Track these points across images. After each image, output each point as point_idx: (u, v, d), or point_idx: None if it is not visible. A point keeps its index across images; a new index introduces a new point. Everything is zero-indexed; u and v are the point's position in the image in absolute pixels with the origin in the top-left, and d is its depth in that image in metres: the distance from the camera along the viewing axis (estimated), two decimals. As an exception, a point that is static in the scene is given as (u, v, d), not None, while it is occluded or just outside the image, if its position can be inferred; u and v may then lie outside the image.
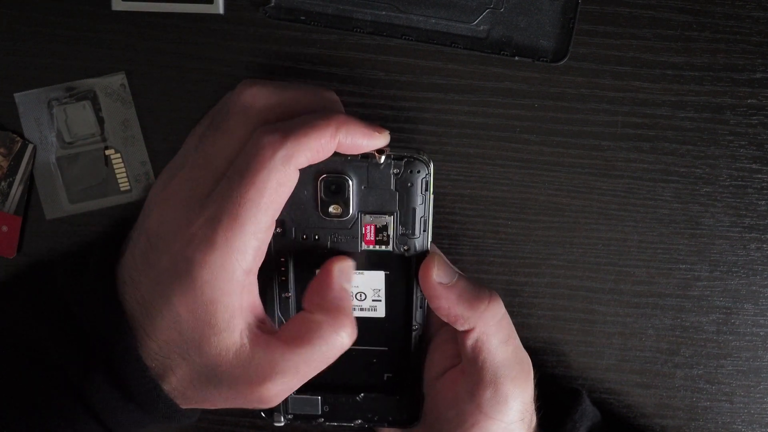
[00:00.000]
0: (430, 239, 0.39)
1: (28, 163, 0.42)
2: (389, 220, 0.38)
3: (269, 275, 0.39)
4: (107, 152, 0.43)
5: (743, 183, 0.43)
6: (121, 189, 0.43)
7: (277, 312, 0.40)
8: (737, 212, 0.43)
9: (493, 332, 0.37)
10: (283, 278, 0.39)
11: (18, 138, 0.42)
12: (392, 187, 0.37)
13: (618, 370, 0.44)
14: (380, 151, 0.36)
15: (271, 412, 0.42)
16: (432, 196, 0.38)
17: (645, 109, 0.42)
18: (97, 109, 0.42)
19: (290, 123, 0.34)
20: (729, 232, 0.43)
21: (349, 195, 0.37)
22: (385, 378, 0.41)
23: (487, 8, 0.40)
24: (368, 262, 0.39)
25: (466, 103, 0.42)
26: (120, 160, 0.43)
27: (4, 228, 0.43)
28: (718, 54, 0.42)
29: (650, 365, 0.44)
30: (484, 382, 0.37)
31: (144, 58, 0.42)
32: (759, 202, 0.43)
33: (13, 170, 0.42)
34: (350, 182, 0.37)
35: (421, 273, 0.38)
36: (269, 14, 0.40)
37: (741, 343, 0.44)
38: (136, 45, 0.42)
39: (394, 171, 0.37)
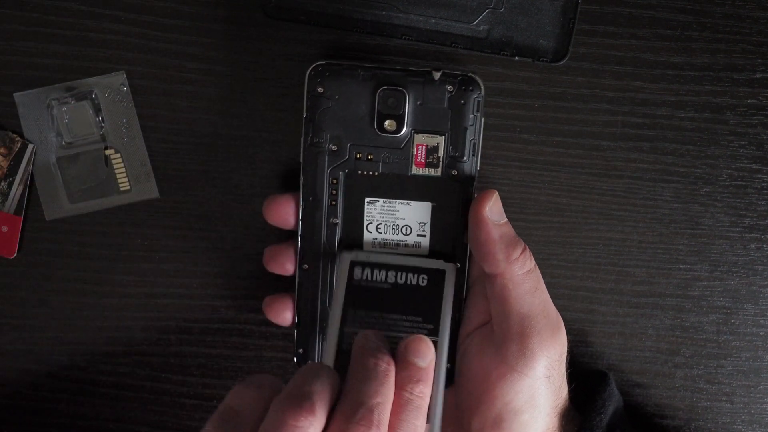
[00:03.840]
0: (478, 167, 0.39)
1: (28, 163, 0.43)
2: (440, 140, 0.39)
3: (319, 197, 0.39)
4: (107, 152, 0.43)
5: (743, 183, 0.43)
6: (121, 189, 0.43)
7: (323, 240, 0.40)
8: (737, 212, 0.43)
9: (518, 281, 0.37)
10: (333, 202, 0.40)
11: (18, 138, 0.42)
12: (445, 104, 0.38)
13: (618, 370, 0.44)
14: (437, 68, 0.38)
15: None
16: (483, 119, 0.39)
17: (645, 109, 0.42)
18: (97, 109, 0.42)
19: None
20: (729, 232, 0.43)
21: (404, 109, 0.38)
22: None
23: (487, 8, 0.40)
24: (416, 190, 0.39)
25: (466, 103, 0.42)
26: (120, 160, 0.43)
27: (4, 228, 0.43)
28: (718, 54, 0.42)
29: (650, 365, 0.44)
30: (510, 334, 0.37)
31: (144, 58, 0.42)
32: (759, 202, 0.43)
33: (13, 170, 0.42)
34: (407, 96, 0.38)
35: (474, 202, 0.38)
36: (269, 14, 0.40)
37: (741, 343, 0.44)
38: (136, 45, 0.42)
39: (448, 88, 0.38)
